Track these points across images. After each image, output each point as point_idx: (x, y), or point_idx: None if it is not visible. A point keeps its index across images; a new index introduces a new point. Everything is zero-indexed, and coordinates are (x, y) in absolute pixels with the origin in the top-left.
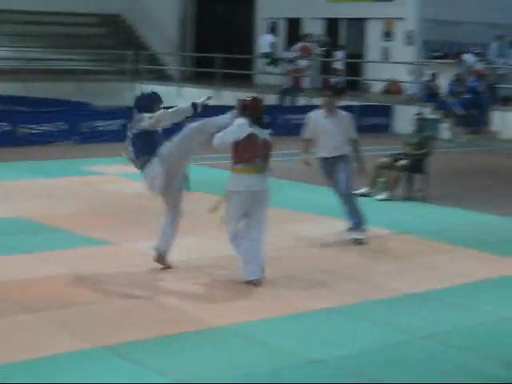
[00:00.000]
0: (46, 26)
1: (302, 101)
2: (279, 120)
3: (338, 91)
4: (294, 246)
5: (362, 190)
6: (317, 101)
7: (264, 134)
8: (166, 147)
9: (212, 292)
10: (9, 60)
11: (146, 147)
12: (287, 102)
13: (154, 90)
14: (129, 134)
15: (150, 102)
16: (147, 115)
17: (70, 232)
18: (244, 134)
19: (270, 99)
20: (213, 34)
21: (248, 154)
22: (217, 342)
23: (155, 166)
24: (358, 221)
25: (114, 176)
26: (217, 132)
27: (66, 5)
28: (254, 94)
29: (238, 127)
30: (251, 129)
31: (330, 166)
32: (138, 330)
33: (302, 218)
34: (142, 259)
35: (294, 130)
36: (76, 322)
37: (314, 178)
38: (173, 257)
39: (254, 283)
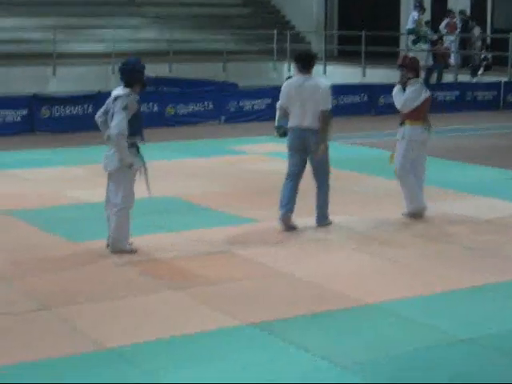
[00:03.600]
0: (190, 7)
1: (448, 77)
2: None
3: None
4: (439, 223)
5: None
6: (462, 77)
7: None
8: None
9: (358, 269)
10: (155, 42)
11: None
12: (433, 80)
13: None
14: None
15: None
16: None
17: (218, 211)
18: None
19: None
20: (357, 11)
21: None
22: (364, 320)
23: None
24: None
25: (259, 155)
26: None
27: None
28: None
29: (418, 93)
30: (428, 92)
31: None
32: (286, 308)
33: (455, 197)
34: (286, 236)
35: (441, 107)
36: (223, 298)
37: (471, 158)
38: (317, 233)
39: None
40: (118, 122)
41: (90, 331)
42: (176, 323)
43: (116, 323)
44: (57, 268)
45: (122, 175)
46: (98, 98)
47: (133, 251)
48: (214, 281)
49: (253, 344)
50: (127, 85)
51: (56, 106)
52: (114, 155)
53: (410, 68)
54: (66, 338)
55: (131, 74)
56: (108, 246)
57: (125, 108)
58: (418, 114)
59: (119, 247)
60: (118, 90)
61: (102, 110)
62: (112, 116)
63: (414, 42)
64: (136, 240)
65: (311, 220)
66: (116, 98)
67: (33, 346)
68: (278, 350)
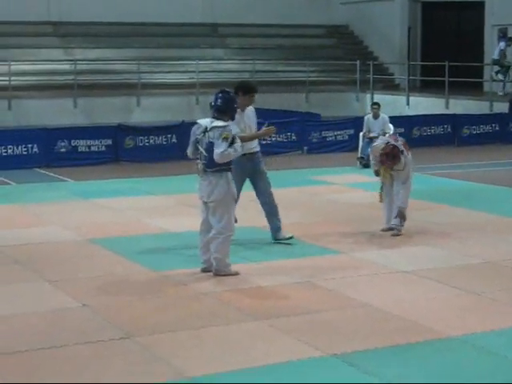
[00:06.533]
0: (274, 38)
1: None
2: (510, 128)
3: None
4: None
5: None
6: None
7: None
8: None
9: (439, 301)
10: (238, 72)
11: None
12: None
13: None
14: None
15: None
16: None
17: (300, 241)
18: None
19: (500, 107)
20: (440, 42)
21: None
22: (446, 353)
23: None
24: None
25: (342, 186)
26: None
27: (294, 17)
28: None
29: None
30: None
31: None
32: (367, 339)
33: None
34: (371, 268)
35: None
36: (305, 329)
37: None
38: (399, 265)
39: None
40: (222, 151)
41: (171, 360)
42: (258, 353)
43: (197, 352)
44: (139, 297)
45: (224, 203)
46: (182, 128)
47: (236, 273)
48: (295, 311)
49: (334, 375)
50: (220, 112)
51: (140, 136)
52: (217, 184)
53: (390, 160)
54: (146, 367)
55: (230, 103)
56: (203, 270)
57: (224, 139)
58: None
59: (224, 270)
60: (208, 120)
61: (190, 147)
62: (206, 145)
63: (497, 73)
64: None
65: (391, 250)
66: (211, 128)
67: (113, 374)
68: (358, 381)
